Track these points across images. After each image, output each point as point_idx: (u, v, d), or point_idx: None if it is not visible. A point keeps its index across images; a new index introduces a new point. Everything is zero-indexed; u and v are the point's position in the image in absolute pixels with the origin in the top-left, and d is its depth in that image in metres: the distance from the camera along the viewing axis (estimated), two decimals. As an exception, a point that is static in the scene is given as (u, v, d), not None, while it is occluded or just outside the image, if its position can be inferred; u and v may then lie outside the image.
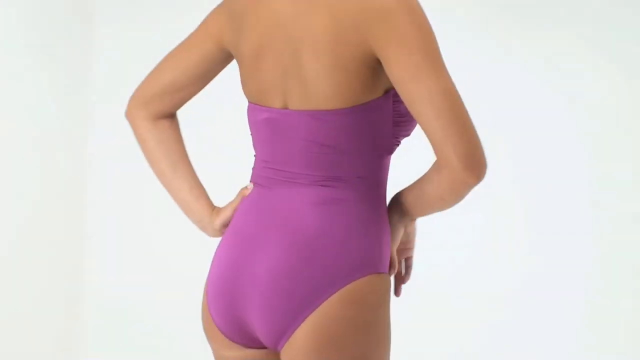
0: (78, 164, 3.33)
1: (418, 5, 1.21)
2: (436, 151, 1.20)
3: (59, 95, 3.14)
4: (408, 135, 1.35)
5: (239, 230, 1.34)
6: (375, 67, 1.24)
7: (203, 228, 1.44)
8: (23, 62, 2.88)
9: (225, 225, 1.39)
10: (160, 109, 1.43)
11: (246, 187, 1.38)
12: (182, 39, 1.46)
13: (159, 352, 3.43)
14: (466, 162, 1.17)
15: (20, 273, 2.92)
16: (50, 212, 3.11)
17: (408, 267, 1.43)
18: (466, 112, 1.19)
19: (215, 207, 1.43)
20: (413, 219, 1.36)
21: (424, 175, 1.29)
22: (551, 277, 3.23)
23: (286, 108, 1.29)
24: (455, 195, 1.24)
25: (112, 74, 3.35)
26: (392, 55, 1.20)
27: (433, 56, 1.19)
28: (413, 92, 1.18)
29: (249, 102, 1.37)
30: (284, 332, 1.26)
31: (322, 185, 1.28)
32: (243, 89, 1.38)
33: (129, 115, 1.46)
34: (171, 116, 1.46)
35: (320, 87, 1.24)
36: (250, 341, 1.33)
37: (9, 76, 2.81)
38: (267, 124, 1.31)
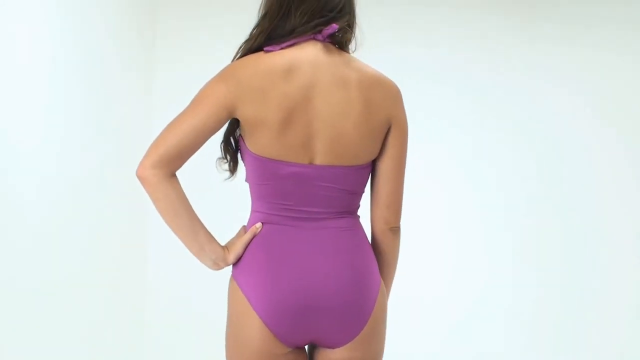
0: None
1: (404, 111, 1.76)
2: (383, 210, 1.74)
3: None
4: None
5: (273, 260, 1.63)
6: (384, 136, 1.70)
7: (213, 265, 1.68)
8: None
9: (236, 260, 1.67)
10: (173, 168, 1.59)
11: (256, 227, 1.66)
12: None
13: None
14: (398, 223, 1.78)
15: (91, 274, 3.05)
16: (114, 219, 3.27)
17: None
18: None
19: (223, 245, 1.68)
20: None
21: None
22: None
23: (312, 164, 1.63)
24: (389, 243, 1.77)
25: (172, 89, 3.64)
26: (394, 136, 1.71)
27: (405, 146, 1.74)
28: (389, 169, 1.72)
29: (262, 157, 1.63)
30: (357, 332, 1.65)
31: (340, 218, 1.68)
32: (255, 148, 1.63)
33: (142, 175, 1.57)
34: (175, 174, 1.62)
35: (352, 149, 1.65)
36: (304, 343, 1.67)
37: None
38: (292, 175, 1.63)
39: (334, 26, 1.63)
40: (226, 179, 1.74)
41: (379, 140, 1.68)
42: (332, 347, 1.67)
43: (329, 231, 1.65)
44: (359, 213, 1.75)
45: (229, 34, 2.63)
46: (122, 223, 3.43)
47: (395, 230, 1.75)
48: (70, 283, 2.85)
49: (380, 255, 1.75)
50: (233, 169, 1.73)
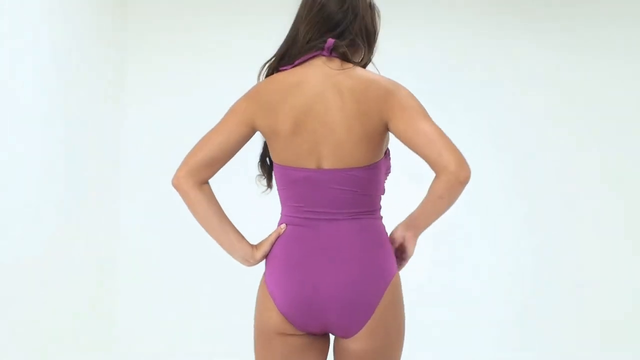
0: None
1: (403, 86, 1.81)
2: (435, 164, 1.71)
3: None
4: (386, 179, 1.92)
5: (291, 258, 1.82)
6: (383, 136, 1.81)
7: (245, 261, 1.90)
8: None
9: (264, 257, 1.88)
10: (204, 177, 1.82)
11: (280, 228, 1.86)
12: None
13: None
14: (460, 163, 1.69)
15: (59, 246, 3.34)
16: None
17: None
18: (449, 138, 1.72)
19: (252, 244, 1.89)
20: (415, 231, 1.87)
21: (426, 193, 1.78)
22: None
23: (320, 168, 1.79)
24: (450, 191, 1.71)
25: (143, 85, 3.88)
26: (396, 115, 1.76)
27: (420, 109, 1.76)
28: (413, 132, 1.73)
29: (281, 165, 1.84)
30: (362, 324, 1.78)
31: (353, 219, 1.81)
32: (274, 157, 1.85)
33: (177, 183, 1.81)
34: (208, 182, 1.85)
35: (352, 152, 1.78)
36: (319, 330, 1.83)
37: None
38: (305, 180, 1.81)
39: (331, 41, 1.81)
40: (263, 192, 1.97)
41: (377, 141, 1.80)
42: (343, 337, 1.81)
43: (341, 231, 1.80)
44: (382, 213, 1.87)
45: (200, 36, 2.65)
46: (90, 221, 3.67)
47: (452, 181, 1.70)
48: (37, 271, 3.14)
49: (428, 193, 1.77)
50: (269, 184, 1.96)
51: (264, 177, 1.95)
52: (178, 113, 3.95)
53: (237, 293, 3.81)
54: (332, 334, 1.85)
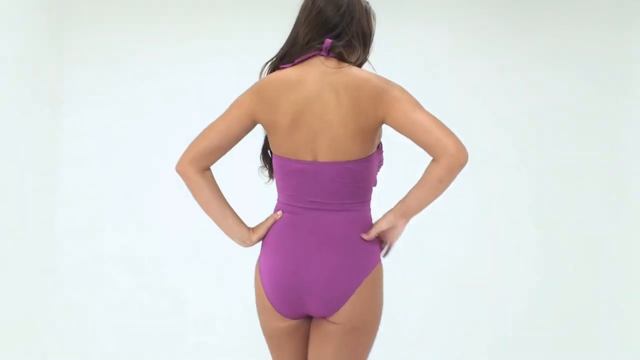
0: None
1: (395, 83, 1.92)
2: (434, 149, 1.81)
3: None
4: (378, 171, 2.04)
5: (283, 243, 1.96)
6: (377, 131, 1.92)
7: (242, 242, 2.06)
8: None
9: (260, 240, 2.03)
10: (206, 164, 1.97)
11: (277, 214, 2.00)
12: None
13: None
14: (458, 147, 1.80)
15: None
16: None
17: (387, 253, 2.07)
18: (445, 124, 1.83)
19: (250, 227, 2.04)
20: (407, 217, 1.96)
21: (420, 178, 1.88)
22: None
23: (315, 161, 1.92)
24: (450, 174, 1.82)
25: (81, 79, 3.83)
26: (392, 110, 1.87)
27: (413, 101, 1.88)
28: (410, 123, 1.84)
29: (280, 156, 1.97)
30: (337, 306, 1.92)
31: (344, 209, 1.94)
32: (274, 148, 1.98)
33: (181, 169, 1.96)
34: (210, 169, 2.00)
35: (346, 145, 1.90)
36: (298, 315, 1.98)
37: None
38: (301, 171, 1.94)
39: (328, 41, 1.93)
40: (266, 183, 2.11)
41: (371, 135, 1.92)
42: (322, 317, 1.96)
43: (329, 220, 1.93)
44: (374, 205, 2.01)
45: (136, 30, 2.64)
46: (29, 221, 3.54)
47: (453, 164, 1.80)
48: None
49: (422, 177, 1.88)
50: (271, 175, 2.09)
51: (265, 168, 2.09)
52: (116, 116, 3.89)
53: (175, 294, 3.89)
54: (313, 315, 1.98)
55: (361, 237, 1.94)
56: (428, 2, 3.95)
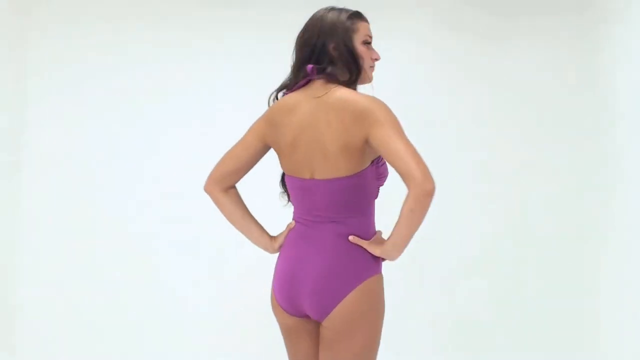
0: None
1: (384, 103, 1.98)
2: (405, 177, 1.86)
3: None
4: (382, 185, 2.15)
5: (290, 249, 2.17)
6: (365, 149, 2.01)
7: (266, 249, 2.30)
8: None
9: (280, 246, 2.25)
10: (229, 184, 2.22)
11: (291, 223, 2.21)
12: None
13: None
14: (424, 175, 1.83)
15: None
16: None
17: None
18: (419, 155, 1.88)
19: (272, 236, 2.27)
20: (397, 252, 2.03)
21: (398, 217, 1.93)
22: None
23: (313, 178, 2.08)
24: (418, 203, 1.86)
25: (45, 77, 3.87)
26: (375, 131, 1.94)
27: (395, 127, 1.93)
28: (387, 148, 1.91)
29: (287, 174, 2.16)
30: (326, 310, 2.04)
31: (339, 222, 2.07)
32: (282, 168, 2.19)
33: (208, 189, 2.22)
34: (234, 187, 2.24)
35: (336, 163, 2.02)
36: (302, 314, 2.14)
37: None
38: (301, 188, 2.13)
39: (309, 67, 2.07)
40: (284, 205, 2.28)
41: (359, 153, 2.01)
42: (317, 320, 2.11)
43: (325, 232, 2.08)
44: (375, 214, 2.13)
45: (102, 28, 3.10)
46: None
47: (419, 194, 1.84)
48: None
49: (401, 212, 1.92)
50: (288, 198, 2.26)
51: (285, 193, 2.26)
52: (81, 113, 3.95)
53: (145, 294, 3.98)
54: (312, 317, 2.11)
55: (354, 246, 2.05)
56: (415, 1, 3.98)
